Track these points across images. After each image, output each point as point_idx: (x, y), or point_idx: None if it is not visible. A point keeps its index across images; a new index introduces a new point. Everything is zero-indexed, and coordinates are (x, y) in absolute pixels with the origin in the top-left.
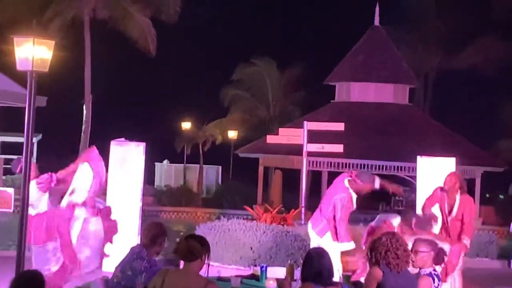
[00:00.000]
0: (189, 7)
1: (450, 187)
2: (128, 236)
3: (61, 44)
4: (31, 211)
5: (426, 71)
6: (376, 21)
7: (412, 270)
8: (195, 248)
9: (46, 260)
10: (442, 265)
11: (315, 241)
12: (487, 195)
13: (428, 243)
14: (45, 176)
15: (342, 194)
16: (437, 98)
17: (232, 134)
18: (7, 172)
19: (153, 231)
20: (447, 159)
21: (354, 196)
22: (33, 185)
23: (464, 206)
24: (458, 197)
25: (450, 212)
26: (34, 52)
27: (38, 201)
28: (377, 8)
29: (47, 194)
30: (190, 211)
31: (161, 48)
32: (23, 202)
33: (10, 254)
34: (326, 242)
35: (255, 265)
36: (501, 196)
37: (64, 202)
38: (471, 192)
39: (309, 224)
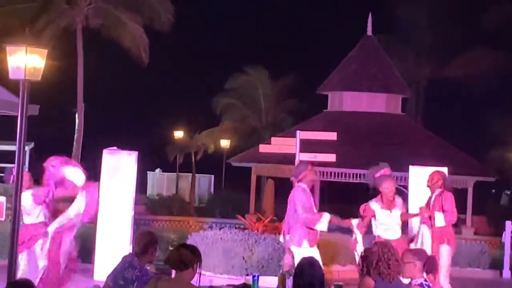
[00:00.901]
0: (182, 16)
1: (432, 184)
2: (120, 245)
3: (53, 52)
4: (27, 219)
5: (418, 81)
6: (369, 31)
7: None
8: (187, 257)
9: (35, 266)
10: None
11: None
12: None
13: (414, 253)
14: (44, 190)
15: (296, 193)
16: (430, 108)
17: (225, 143)
18: None
19: (145, 240)
20: (439, 168)
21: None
22: (28, 194)
23: (442, 198)
24: (437, 191)
25: (429, 206)
26: (26, 61)
27: (33, 209)
28: (369, 18)
29: (41, 206)
30: (182, 220)
31: (154, 57)
32: (14, 211)
33: (1, 263)
34: (309, 249)
35: (247, 275)
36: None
37: (52, 228)
38: (463, 202)
39: (293, 247)
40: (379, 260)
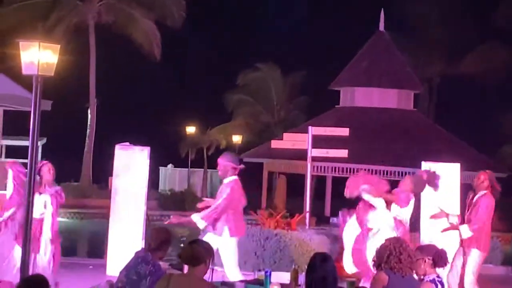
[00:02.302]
0: (194, 12)
1: (478, 184)
2: (133, 240)
3: (66, 48)
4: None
5: (430, 77)
6: (381, 27)
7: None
8: (199, 252)
9: None
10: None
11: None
12: None
13: (422, 250)
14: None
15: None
16: (442, 103)
17: (237, 139)
18: None
19: (161, 236)
20: (451, 164)
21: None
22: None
23: (480, 202)
24: (480, 193)
25: (468, 209)
26: (39, 56)
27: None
28: (381, 14)
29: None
30: None
31: (166, 52)
32: (27, 206)
33: None
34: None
35: (259, 270)
36: None
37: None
38: None
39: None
40: (390, 254)
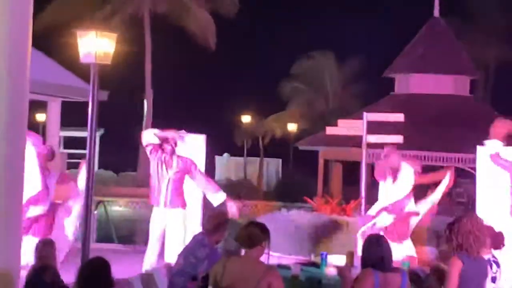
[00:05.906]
0: (247, 2)
1: (495, 135)
2: (191, 227)
3: (121, 39)
4: None
5: (486, 62)
6: (436, 13)
7: None
8: (256, 234)
9: None
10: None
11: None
12: None
13: None
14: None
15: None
16: (498, 89)
17: (292, 127)
18: (70, 166)
19: (217, 219)
20: (507, 148)
21: None
22: None
23: None
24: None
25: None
26: (96, 45)
27: None
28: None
29: None
30: (250, 204)
31: (221, 42)
32: (87, 195)
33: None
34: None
35: (315, 254)
36: None
37: None
38: None
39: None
40: (469, 232)
